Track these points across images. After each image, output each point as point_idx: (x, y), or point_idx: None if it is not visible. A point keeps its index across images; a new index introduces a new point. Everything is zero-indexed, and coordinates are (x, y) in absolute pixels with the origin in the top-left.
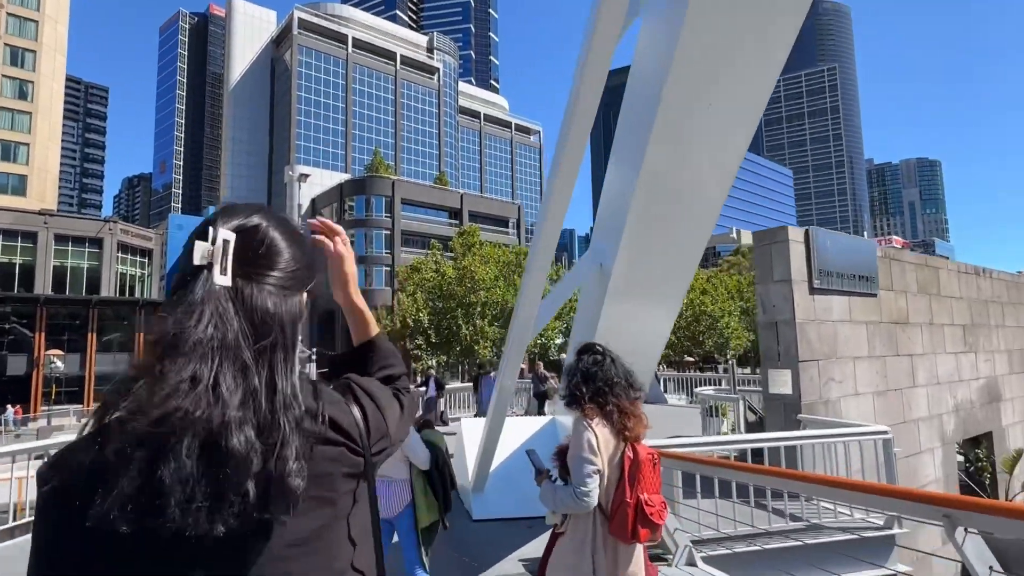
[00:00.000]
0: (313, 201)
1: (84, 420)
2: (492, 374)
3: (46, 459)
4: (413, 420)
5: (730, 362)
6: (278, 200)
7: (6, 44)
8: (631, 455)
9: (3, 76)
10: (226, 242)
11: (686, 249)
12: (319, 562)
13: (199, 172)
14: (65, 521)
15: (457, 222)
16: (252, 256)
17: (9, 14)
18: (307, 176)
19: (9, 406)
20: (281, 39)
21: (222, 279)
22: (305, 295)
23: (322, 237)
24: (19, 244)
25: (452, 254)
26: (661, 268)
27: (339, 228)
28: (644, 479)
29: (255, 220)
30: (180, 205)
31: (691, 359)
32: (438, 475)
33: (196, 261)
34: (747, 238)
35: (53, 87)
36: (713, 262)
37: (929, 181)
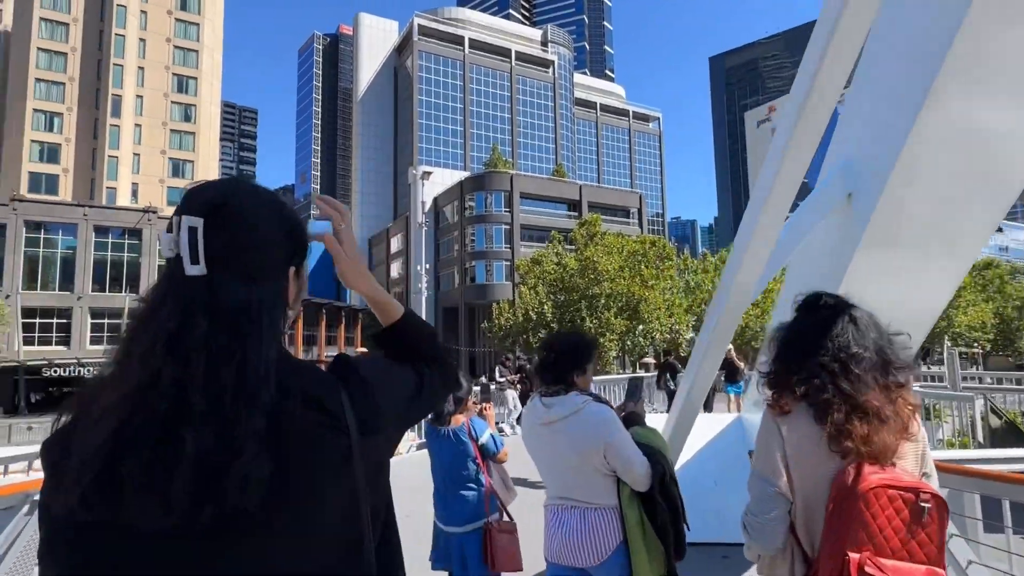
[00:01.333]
0: (435, 200)
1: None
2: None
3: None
4: (442, 399)
5: (948, 350)
6: (403, 200)
7: (174, 74)
8: (847, 482)
9: (172, 102)
10: (192, 229)
11: (999, 180)
12: (294, 548)
13: (334, 180)
14: (42, 507)
15: (576, 214)
16: (223, 240)
17: (175, 47)
18: (430, 174)
19: None
20: (403, 47)
21: (194, 269)
22: (291, 275)
23: (329, 220)
24: None
25: (573, 246)
26: (957, 207)
27: (344, 208)
28: (878, 532)
29: (223, 200)
30: (319, 212)
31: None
32: (664, 501)
33: (165, 253)
34: None
35: (212, 110)
36: None
37: None
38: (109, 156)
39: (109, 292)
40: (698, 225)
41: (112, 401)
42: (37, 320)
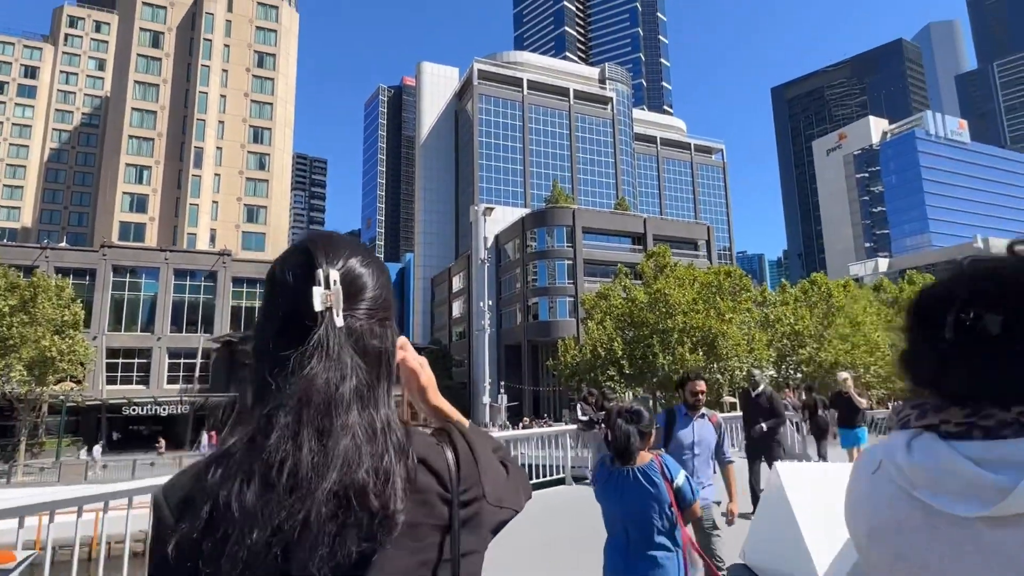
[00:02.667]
0: (496, 237)
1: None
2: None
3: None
4: (527, 493)
5: None
6: (465, 238)
7: (250, 125)
8: None
9: (248, 152)
10: (335, 283)
11: None
12: None
13: (398, 224)
14: (170, 565)
15: (641, 247)
16: (350, 290)
17: (252, 100)
18: (492, 209)
19: (204, 432)
20: (463, 92)
21: (339, 321)
22: (394, 323)
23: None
24: (258, 290)
25: (640, 280)
26: None
27: (402, 338)
28: None
29: (348, 252)
30: (383, 255)
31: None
32: None
33: (318, 307)
34: (997, 246)
35: (284, 158)
36: None
37: None
38: (191, 204)
39: (185, 333)
40: (765, 259)
41: (295, 460)
42: (120, 360)
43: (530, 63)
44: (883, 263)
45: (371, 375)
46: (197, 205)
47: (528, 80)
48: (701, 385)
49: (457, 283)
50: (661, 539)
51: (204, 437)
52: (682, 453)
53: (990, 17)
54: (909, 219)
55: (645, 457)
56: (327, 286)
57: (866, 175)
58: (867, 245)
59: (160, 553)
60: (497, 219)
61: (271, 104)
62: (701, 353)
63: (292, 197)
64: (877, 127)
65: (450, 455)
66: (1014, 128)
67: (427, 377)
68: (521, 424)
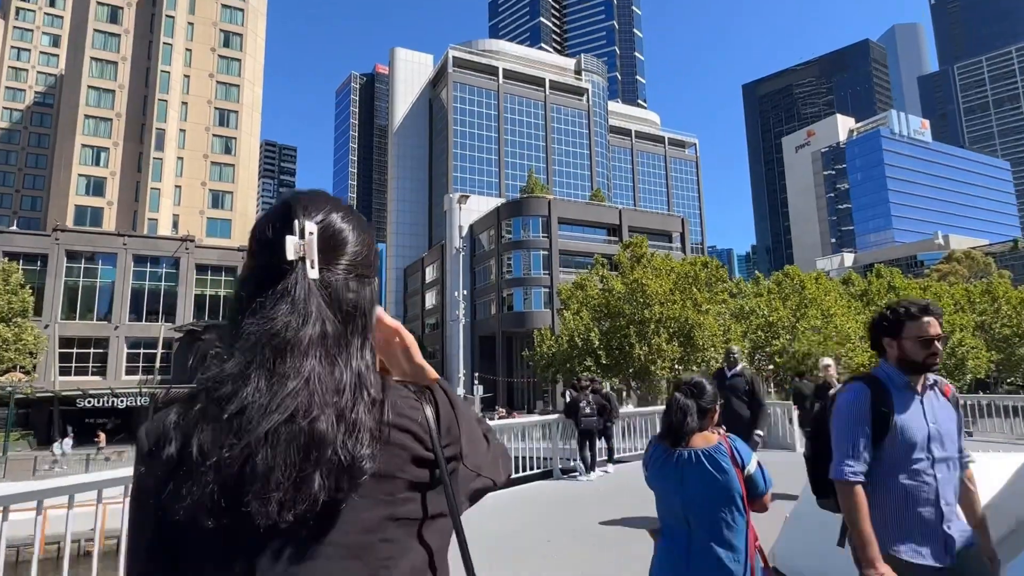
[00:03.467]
0: (471, 227)
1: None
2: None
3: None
4: (507, 469)
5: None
6: (438, 228)
7: (215, 108)
8: None
9: (213, 135)
10: (311, 235)
11: None
12: (374, 561)
13: (369, 214)
14: (142, 509)
15: (616, 239)
16: (329, 245)
17: (218, 82)
18: (467, 197)
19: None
20: (437, 79)
21: (313, 273)
22: (375, 281)
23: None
24: (223, 278)
25: (616, 271)
26: None
27: (378, 307)
28: None
29: (329, 208)
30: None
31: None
32: None
33: (290, 256)
34: (956, 243)
35: (251, 142)
36: (917, 272)
37: None
38: (152, 188)
39: (145, 321)
40: (735, 254)
41: (241, 401)
42: (74, 350)
43: (506, 52)
44: (848, 258)
45: (343, 327)
46: (159, 189)
47: (504, 69)
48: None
49: (430, 273)
50: (729, 536)
51: None
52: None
53: (951, 21)
54: (873, 215)
55: (711, 438)
56: (301, 236)
57: (833, 172)
58: (833, 241)
59: (135, 488)
60: (472, 208)
61: (238, 86)
62: (678, 344)
63: (260, 184)
64: (844, 125)
65: (429, 411)
66: (973, 129)
67: (409, 337)
68: (497, 415)
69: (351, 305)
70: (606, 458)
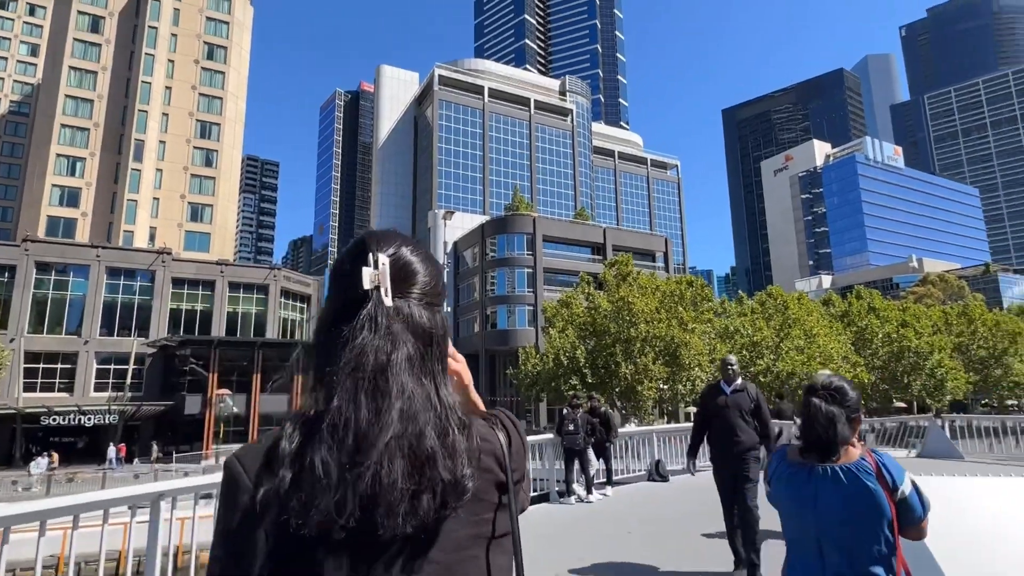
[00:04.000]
0: (455, 244)
1: (280, 427)
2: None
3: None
4: (521, 508)
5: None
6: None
7: (197, 120)
8: None
9: (194, 147)
10: (384, 265)
11: None
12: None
13: (352, 231)
14: (256, 525)
15: (600, 257)
16: (401, 275)
17: (201, 94)
18: (452, 213)
19: (112, 445)
20: (423, 97)
21: (387, 300)
22: (444, 310)
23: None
24: (200, 292)
25: (602, 289)
26: None
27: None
28: None
29: (400, 243)
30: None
31: (902, 404)
32: None
33: (366, 285)
34: (930, 266)
35: (233, 154)
36: (893, 294)
37: None
38: (128, 200)
39: (117, 336)
40: (714, 275)
41: (355, 419)
42: (41, 365)
43: (491, 71)
44: (826, 280)
45: (423, 352)
46: (136, 201)
47: (489, 88)
48: None
49: None
50: (872, 568)
51: (112, 451)
52: None
53: (921, 53)
54: (850, 239)
55: (853, 452)
56: (375, 267)
57: (810, 196)
58: (811, 263)
59: (239, 512)
60: (456, 225)
61: (221, 99)
62: (663, 363)
63: (241, 199)
64: (821, 150)
65: (503, 437)
66: (942, 157)
67: (468, 375)
68: None
69: (427, 331)
70: (605, 480)
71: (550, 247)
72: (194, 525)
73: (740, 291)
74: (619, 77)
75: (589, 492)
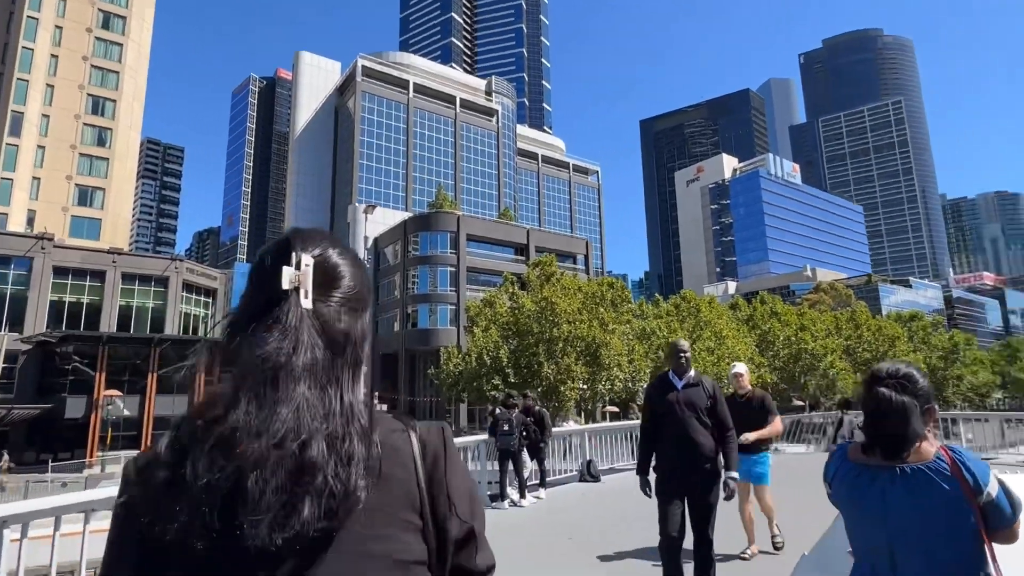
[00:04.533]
0: (376, 240)
1: (166, 432)
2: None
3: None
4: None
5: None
6: (340, 240)
7: (89, 94)
8: None
9: (84, 124)
10: (307, 267)
11: None
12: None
13: (264, 224)
14: (128, 531)
15: (523, 258)
16: (325, 279)
17: (94, 66)
18: (373, 207)
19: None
20: (345, 87)
21: (306, 303)
22: (367, 316)
23: None
24: (87, 283)
25: (525, 290)
26: None
27: None
28: None
29: (326, 244)
30: (246, 255)
31: (800, 403)
32: None
33: (285, 286)
34: (822, 275)
35: (131, 135)
36: (790, 300)
37: (1011, 216)
38: (2, 178)
39: None
40: (629, 279)
41: (231, 424)
42: None
43: (417, 66)
44: (732, 286)
45: (333, 357)
46: (11, 180)
47: (414, 83)
48: None
49: None
50: None
51: None
52: None
53: (817, 79)
54: (753, 248)
55: (927, 450)
56: (297, 267)
57: (718, 207)
58: (718, 270)
59: (119, 513)
60: (377, 221)
61: (117, 73)
62: (584, 363)
63: (140, 185)
64: (729, 164)
65: (415, 441)
66: (833, 176)
67: None
68: None
69: (342, 336)
70: (538, 482)
71: (474, 246)
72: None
73: (656, 294)
74: (544, 82)
75: (522, 496)
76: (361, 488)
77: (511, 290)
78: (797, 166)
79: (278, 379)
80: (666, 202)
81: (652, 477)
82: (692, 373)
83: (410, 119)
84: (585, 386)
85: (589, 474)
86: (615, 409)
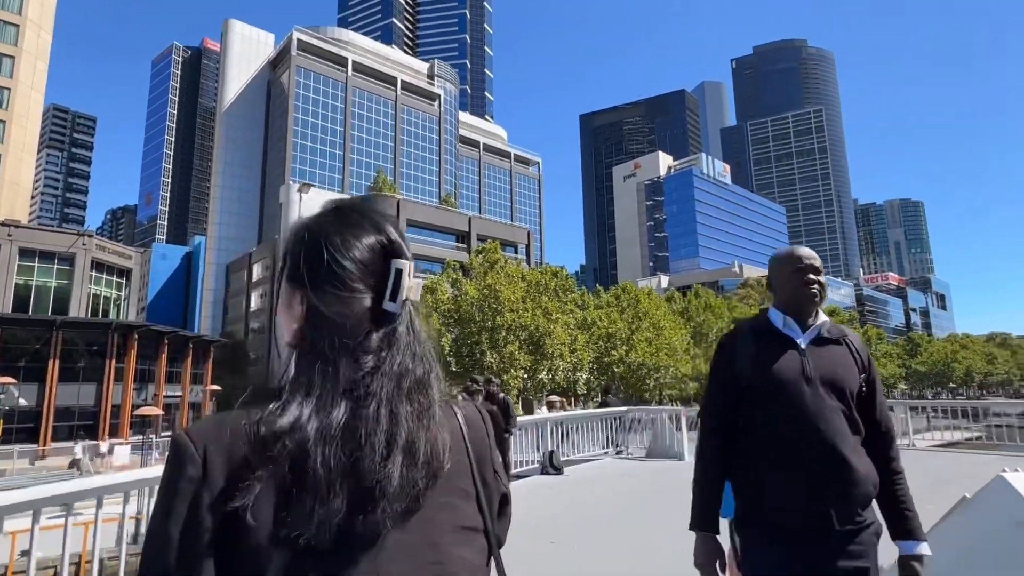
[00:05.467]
0: None
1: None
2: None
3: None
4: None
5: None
6: (271, 224)
7: None
8: None
9: None
10: (399, 271)
11: None
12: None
13: (186, 204)
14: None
15: (464, 246)
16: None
17: None
18: (309, 187)
19: None
20: (278, 61)
21: (394, 306)
22: None
23: None
24: None
25: (467, 276)
26: None
27: None
28: None
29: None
30: (165, 235)
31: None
32: None
33: (403, 295)
34: (749, 272)
35: (32, 96)
36: (720, 295)
37: (913, 221)
38: None
39: None
40: (566, 271)
41: (363, 420)
42: None
43: (356, 44)
44: (664, 280)
45: (429, 364)
46: None
47: (354, 61)
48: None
49: (259, 271)
50: None
51: None
52: None
53: (747, 84)
54: (684, 244)
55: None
56: (410, 277)
57: (653, 203)
58: (651, 264)
59: (198, 492)
60: (312, 201)
61: (17, 26)
62: (527, 352)
63: (45, 155)
64: (664, 162)
65: (460, 415)
66: (759, 178)
67: None
68: None
69: (426, 343)
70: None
71: (414, 232)
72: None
73: (597, 285)
74: (486, 71)
75: None
76: (446, 458)
77: (453, 277)
78: (728, 166)
79: (401, 388)
80: (603, 196)
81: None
82: (826, 320)
83: (348, 98)
84: (527, 375)
85: (552, 466)
86: (556, 399)
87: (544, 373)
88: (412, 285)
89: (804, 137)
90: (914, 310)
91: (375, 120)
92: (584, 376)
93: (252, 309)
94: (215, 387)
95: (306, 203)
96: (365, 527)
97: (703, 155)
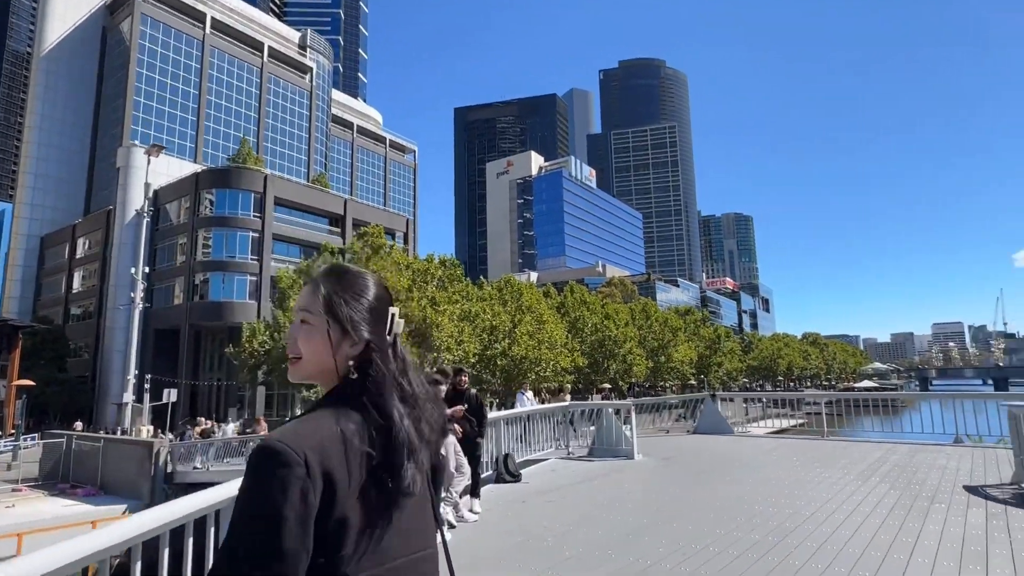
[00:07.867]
0: (156, 193)
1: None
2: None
3: (276, 438)
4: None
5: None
6: (102, 193)
7: None
8: None
9: None
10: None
11: None
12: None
13: None
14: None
15: (338, 229)
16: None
17: None
18: (160, 149)
19: None
20: (118, 5)
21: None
22: None
23: None
24: None
25: (347, 260)
26: None
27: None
28: None
29: None
30: None
31: (607, 387)
32: None
33: (397, 331)
34: (611, 272)
35: None
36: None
37: (744, 234)
38: None
39: None
40: (456, 260)
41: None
42: None
43: None
44: (533, 276)
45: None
46: None
47: (213, 18)
48: None
49: (84, 247)
50: None
51: None
52: None
53: (612, 95)
54: (552, 243)
55: None
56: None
57: (523, 201)
58: (520, 261)
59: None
60: (158, 171)
61: None
62: (413, 344)
63: None
64: (536, 161)
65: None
66: (620, 184)
67: None
68: (198, 429)
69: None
70: (470, 494)
71: (283, 211)
72: None
73: (481, 277)
74: (360, 51)
75: (459, 513)
76: (450, 461)
77: (333, 260)
78: (594, 171)
79: (420, 403)
80: (475, 192)
81: None
82: None
83: (205, 59)
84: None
85: (507, 472)
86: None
87: (429, 367)
88: (399, 322)
89: (660, 150)
90: (745, 312)
91: (237, 88)
92: (468, 370)
93: (75, 290)
94: (25, 382)
95: (155, 167)
96: (412, 489)
97: (572, 158)
